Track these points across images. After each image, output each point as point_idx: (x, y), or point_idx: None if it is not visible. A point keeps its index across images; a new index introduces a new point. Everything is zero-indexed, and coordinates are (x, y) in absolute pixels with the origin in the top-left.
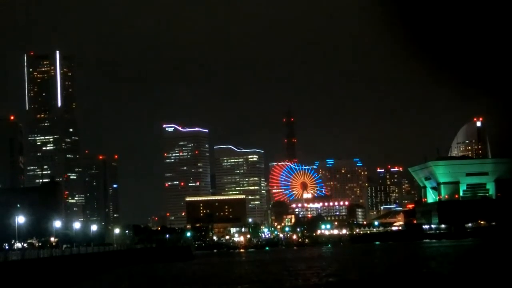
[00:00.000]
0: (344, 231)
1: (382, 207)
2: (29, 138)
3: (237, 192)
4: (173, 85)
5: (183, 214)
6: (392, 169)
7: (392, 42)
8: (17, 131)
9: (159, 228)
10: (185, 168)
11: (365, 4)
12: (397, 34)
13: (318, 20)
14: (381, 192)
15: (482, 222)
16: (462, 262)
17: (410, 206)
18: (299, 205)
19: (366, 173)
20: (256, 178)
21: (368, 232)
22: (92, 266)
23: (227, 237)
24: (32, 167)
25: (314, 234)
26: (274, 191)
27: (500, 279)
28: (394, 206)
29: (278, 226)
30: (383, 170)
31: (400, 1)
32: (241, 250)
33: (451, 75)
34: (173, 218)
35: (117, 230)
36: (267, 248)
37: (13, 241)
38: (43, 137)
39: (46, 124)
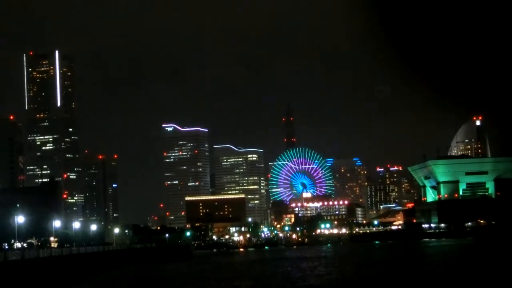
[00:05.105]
0: (343, 231)
1: (381, 206)
2: (29, 138)
3: (237, 191)
4: (172, 85)
5: (182, 213)
6: (391, 168)
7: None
8: (16, 131)
9: (158, 228)
10: (184, 167)
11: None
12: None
13: (318, 20)
14: (380, 191)
15: (481, 221)
16: (457, 261)
17: (410, 205)
18: (299, 204)
19: (365, 172)
20: (256, 178)
21: (368, 231)
22: (91, 266)
23: (227, 236)
24: (31, 167)
25: (313, 233)
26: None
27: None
28: (394, 205)
29: (278, 226)
30: (382, 169)
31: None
32: (241, 249)
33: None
34: (172, 217)
35: (116, 230)
36: (266, 247)
37: (12, 241)
38: (42, 137)
39: (45, 123)
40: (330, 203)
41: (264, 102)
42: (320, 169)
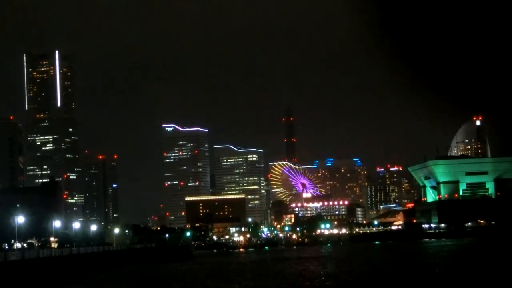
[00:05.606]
0: (343, 231)
1: (381, 207)
2: (29, 138)
3: (237, 191)
4: (172, 85)
5: (182, 213)
6: (391, 169)
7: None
8: (16, 131)
9: (158, 228)
10: (184, 167)
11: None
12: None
13: (319, 20)
14: (380, 191)
15: (481, 221)
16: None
17: (410, 205)
18: (299, 204)
19: (365, 172)
20: (256, 178)
21: (368, 231)
22: (92, 266)
23: (227, 236)
24: (31, 167)
25: (313, 233)
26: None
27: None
28: (394, 205)
29: (278, 226)
30: (382, 169)
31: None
32: (241, 249)
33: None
34: (172, 217)
35: (116, 230)
36: (266, 247)
37: (12, 241)
38: (42, 137)
39: (45, 124)
40: (330, 203)
41: (264, 102)
42: (319, 170)
